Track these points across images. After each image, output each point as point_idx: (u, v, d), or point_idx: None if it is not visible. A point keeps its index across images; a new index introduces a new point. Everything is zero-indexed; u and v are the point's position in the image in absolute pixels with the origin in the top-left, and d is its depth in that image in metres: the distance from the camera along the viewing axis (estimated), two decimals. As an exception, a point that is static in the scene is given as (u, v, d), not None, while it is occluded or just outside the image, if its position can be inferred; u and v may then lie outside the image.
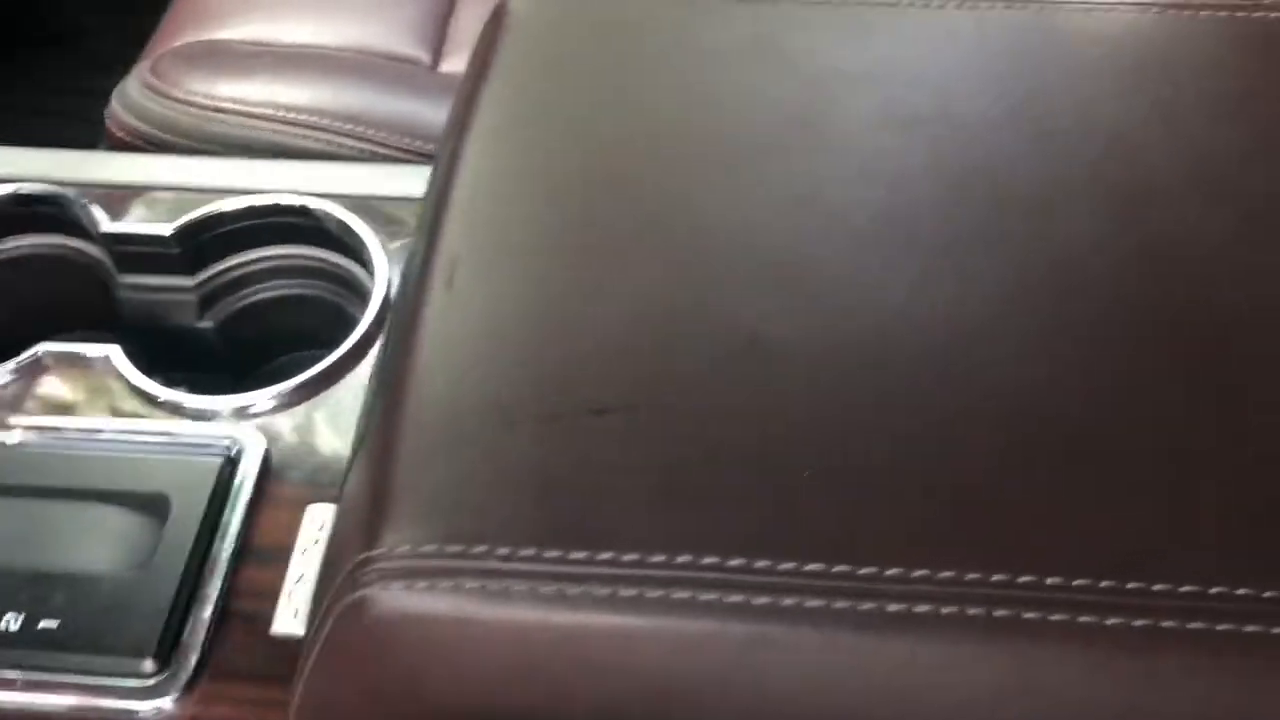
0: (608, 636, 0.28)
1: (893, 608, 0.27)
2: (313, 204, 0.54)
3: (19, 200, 0.55)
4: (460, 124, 0.40)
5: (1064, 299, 0.33)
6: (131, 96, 0.69)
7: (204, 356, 0.58)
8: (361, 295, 0.57)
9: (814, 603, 0.27)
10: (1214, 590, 0.27)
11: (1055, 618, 0.27)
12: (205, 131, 0.67)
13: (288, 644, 0.42)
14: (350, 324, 0.58)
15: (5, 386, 0.50)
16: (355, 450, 0.36)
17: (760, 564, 0.28)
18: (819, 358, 0.32)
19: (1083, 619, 0.27)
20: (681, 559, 0.28)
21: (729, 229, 0.35)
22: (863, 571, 0.28)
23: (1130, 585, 0.27)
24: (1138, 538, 0.29)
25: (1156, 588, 0.27)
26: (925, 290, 0.34)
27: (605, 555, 0.28)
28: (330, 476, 0.47)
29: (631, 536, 0.29)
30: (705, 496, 0.29)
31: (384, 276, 0.53)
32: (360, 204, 0.57)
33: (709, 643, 0.28)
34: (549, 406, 0.31)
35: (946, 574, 0.28)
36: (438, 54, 0.78)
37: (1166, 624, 0.27)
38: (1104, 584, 0.27)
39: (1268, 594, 0.27)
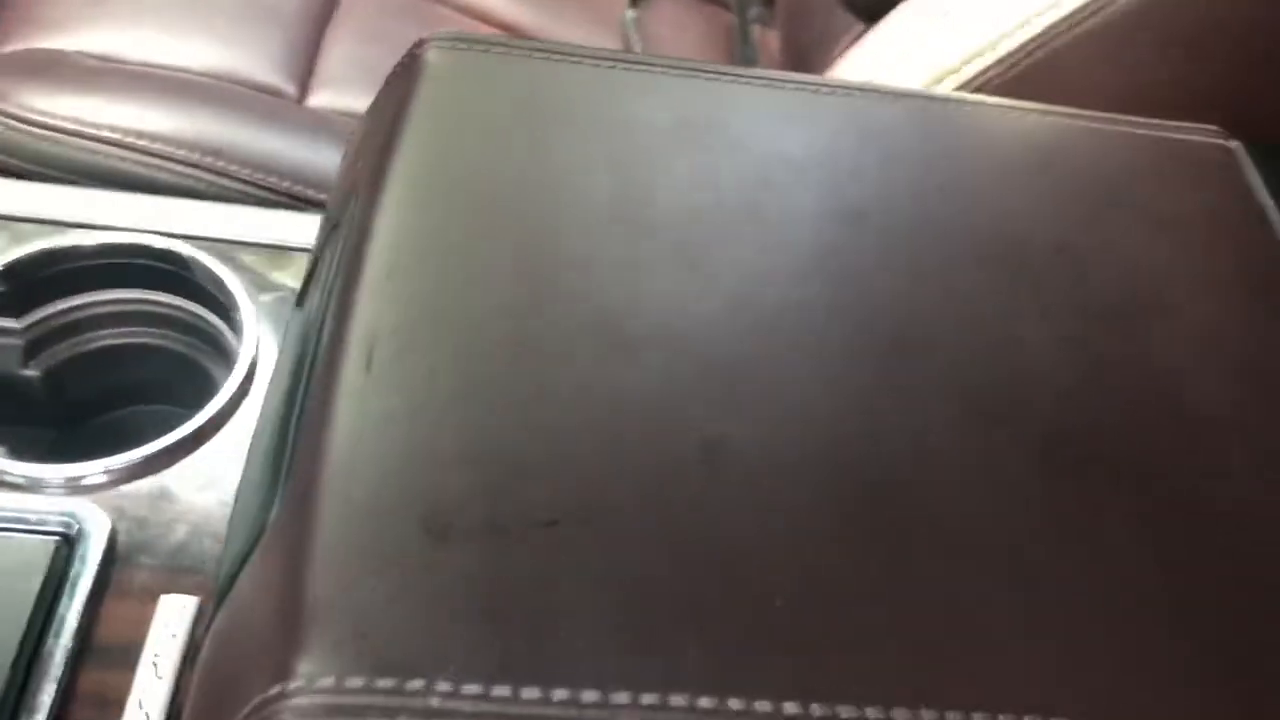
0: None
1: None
2: (180, 249, 0.49)
3: None
4: (372, 185, 0.36)
5: (1020, 420, 0.32)
6: (-49, 106, 0.61)
7: (27, 408, 0.51)
8: (215, 347, 0.52)
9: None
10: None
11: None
12: (40, 153, 0.60)
13: (133, 760, 0.36)
14: (201, 377, 0.53)
15: None
16: (242, 551, 0.31)
17: (734, 705, 0.25)
18: (775, 469, 0.30)
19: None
20: (648, 699, 0.25)
21: (677, 326, 0.33)
22: (842, 713, 0.26)
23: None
24: (1115, 679, 0.28)
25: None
26: (880, 397, 0.32)
27: (561, 694, 0.25)
28: (190, 561, 0.41)
29: (591, 672, 0.25)
30: (672, 625, 0.26)
31: (253, 334, 0.48)
32: (221, 249, 0.51)
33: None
34: (492, 516, 0.28)
35: (929, 713, 0.26)
36: (304, 87, 0.72)
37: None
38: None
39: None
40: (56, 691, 0.36)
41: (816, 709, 0.26)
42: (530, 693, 0.25)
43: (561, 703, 0.25)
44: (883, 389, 0.32)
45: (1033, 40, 0.49)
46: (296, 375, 0.34)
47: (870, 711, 0.26)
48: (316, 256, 0.41)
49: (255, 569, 0.29)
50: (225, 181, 0.61)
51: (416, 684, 0.25)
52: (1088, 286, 0.36)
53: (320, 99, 0.72)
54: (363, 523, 0.28)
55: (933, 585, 0.28)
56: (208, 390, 0.49)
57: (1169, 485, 0.32)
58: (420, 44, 0.42)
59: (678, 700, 0.25)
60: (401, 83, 0.41)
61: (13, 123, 0.60)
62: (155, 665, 0.38)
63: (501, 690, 0.25)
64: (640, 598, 0.27)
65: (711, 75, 0.41)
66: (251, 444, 0.38)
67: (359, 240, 0.35)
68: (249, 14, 0.74)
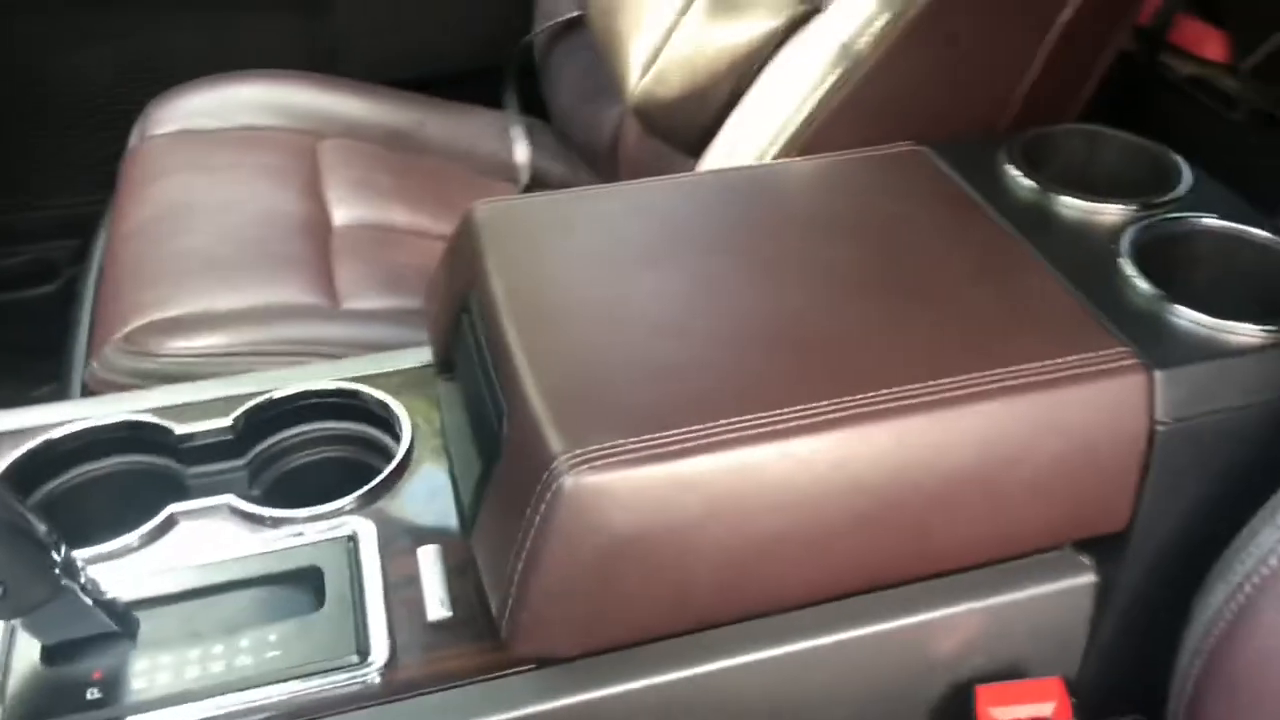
0: (693, 470, 0.54)
1: (806, 422, 0.55)
2: (349, 386, 0.76)
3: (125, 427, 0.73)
4: (483, 279, 0.67)
5: (849, 280, 0.64)
6: (117, 361, 0.88)
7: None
8: (366, 445, 0.79)
9: (782, 426, 0.55)
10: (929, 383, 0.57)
11: (899, 403, 0.56)
12: (197, 373, 0.87)
13: (440, 623, 0.62)
14: (354, 473, 0.79)
15: (147, 540, 0.67)
16: (484, 469, 0.59)
17: (737, 419, 0.55)
18: (734, 332, 0.61)
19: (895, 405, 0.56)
20: (713, 424, 0.55)
21: (665, 291, 0.64)
22: (778, 413, 0.56)
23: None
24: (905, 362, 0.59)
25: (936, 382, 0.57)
26: (780, 293, 0.63)
27: (680, 430, 0.54)
28: (421, 531, 0.68)
29: (685, 424, 0.55)
30: (703, 405, 0.56)
31: (408, 423, 0.75)
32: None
33: (745, 462, 0.54)
34: (620, 376, 0.57)
35: (830, 402, 0.56)
36: (334, 300, 1.02)
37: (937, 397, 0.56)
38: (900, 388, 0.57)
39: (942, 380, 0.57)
40: (384, 603, 0.62)
41: (759, 414, 0.55)
42: (668, 433, 0.54)
43: (680, 434, 0.54)
44: (783, 289, 0.64)
45: (805, 120, 0.84)
46: (477, 377, 0.63)
47: (792, 409, 0.56)
48: (448, 335, 0.71)
49: (518, 419, 0.57)
50: (323, 361, 0.89)
51: (621, 442, 0.54)
52: (865, 228, 0.69)
53: (351, 304, 1.02)
54: (561, 396, 0.57)
55: (821, 345, 0.59)
56: (363, 477, 0.76)
57: (920, 298, 0.64)
58: (471, 208, 0.73)
59: (723, 420, 0.55)
60: (468, 230, 0.72)
61: (175, 359, 0.88)
62: (430, 578, 0.64)
63: (659, 435, 0.54)
64: (704, 396, 0.57)
65: (646, 184, 0.74)
66: (454, 436, 0.66)
67: (490, 299, 0.65)
68: (275, 263, 1.04)
